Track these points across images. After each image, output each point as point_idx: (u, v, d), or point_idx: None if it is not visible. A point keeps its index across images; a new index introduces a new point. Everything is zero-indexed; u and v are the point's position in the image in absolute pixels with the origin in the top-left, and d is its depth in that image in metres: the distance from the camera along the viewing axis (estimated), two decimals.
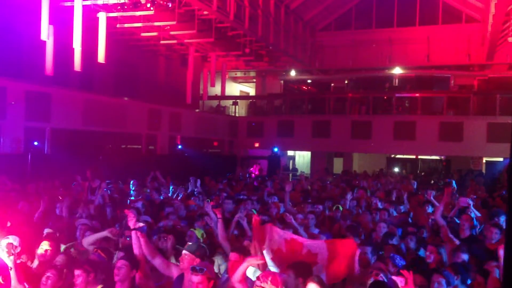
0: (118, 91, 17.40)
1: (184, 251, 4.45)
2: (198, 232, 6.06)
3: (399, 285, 3.99)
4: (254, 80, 27.45)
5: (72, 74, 12.84)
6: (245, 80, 27.88)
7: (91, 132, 15.09)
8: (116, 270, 4.23)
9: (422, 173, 20.54)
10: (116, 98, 16.50)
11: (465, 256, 5.52)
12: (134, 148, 17.97)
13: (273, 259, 4.85)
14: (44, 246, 4.62)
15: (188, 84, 16.67)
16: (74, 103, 14.35)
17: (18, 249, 4.33)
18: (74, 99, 14.45)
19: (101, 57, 11.79)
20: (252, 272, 4.49)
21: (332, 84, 25.88)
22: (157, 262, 4.55)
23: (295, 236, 5.33)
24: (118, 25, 14.13)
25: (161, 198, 10.19)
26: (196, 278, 3.83)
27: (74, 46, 11.34)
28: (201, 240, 5.74)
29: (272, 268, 4.72)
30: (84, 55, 11.59)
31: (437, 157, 23.90)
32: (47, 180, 11.01)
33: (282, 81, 26.67)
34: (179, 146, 19.08)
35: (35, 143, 13.23)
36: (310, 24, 23.70)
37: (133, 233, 4.47)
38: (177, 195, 10.78)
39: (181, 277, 4.44)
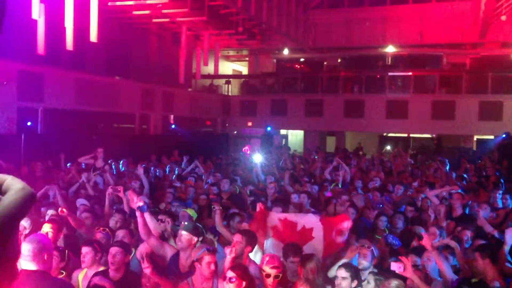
0: (110, 70, 17.26)
1: (182, 231, 4.50)
2: (191, 212, 6.16)
3: (397, 271, 4.06)
4: (247, 58, 27.29)
5: (64, 53, 12.69)
6: (238, 58, 27.71)
7: (84, 112, 15.01)
8: (111, 257, 4.22)
9: (413, 151, 20.70)
10: (109, 77, 16.40)
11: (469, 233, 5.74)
12: (127, 127, 17.93)
13: (273, 237, 4.97)
14: (46, 228, 4.67)
15: (180, 63, 16.54)
16: (66, 82, 14.24)
17: (27, 231, 4.37)
18: (67, 78, 14.34)
19: (93, 36, 11.64)
20: (253, 254, 4.58)
21: (325, 63, 25.80)
22: (152, 242, 4.59)
23: (287, 215, 5.49)
24: (109, 3, 13.94)
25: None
26: (208, 258, 3.87)
27: (66, 25, 11.18)
28: (194, 219, 5.86)
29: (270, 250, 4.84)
30: (76, 34, 11.44)
31: (428, 135, 24.07)
32: (41, 160, 11.00)
33: (275, 60, 26.54)
34: (173, 126, 19.06)
35: (28, 123, 13.16)
36: (303, 2, 23.45)
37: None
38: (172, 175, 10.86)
39: (176, 256, 4.51)
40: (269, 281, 3.89)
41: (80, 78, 14.79)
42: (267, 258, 4.02)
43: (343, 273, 4.03)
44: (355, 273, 4.06)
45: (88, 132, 14.77)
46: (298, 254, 4.43)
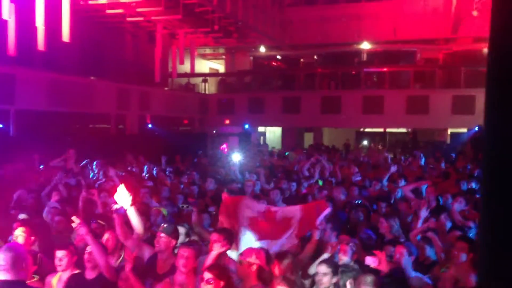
0: (84, 70, 17.01)
1: (160, 233, 4.48)
2: (164, 211, 6.14)
3: (372, 265, 4.07)
4: (224, 57, 27.21)
5: (36, 53, 12.46)
6: (215, 57, 27.61)
7: (58, 113, 14.77)
8: (87, 255, 4.19)
9: (382, 147, 21.08)
10: (83, 77, 16.15)
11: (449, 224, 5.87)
12: (103, 128, 17.71)
13: (249, 228, 4.97)
14: (18, 232, 4.58)
15: (156, 62, 16.42)
16: (39, 83, 13.98)
17: None
18: (39, 79, 14.07)
19: (65, 35, 11.50)
20: (235, 255, 4.57)
21: (302, 60, 25.92)
22: (129, 243, 4.56)
23: (269, 206, 5.50)
24: (82, 2, 13.75)
25: None
26: (185, 251, 3.89)
27: (37, 24, 10.99)
28: (166, 218, 5.85)
29: (249, 242, 4.82)
30: (48, 34, 11.25)
31: (404, 130, 24.42)
32: (13, 163, 10.78)
33: (251, 58, 26.54)
34: (149, 125, 18.91)
35: (0, 125, 12.89)
36: (278, 0, 23.52)
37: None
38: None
39: (154, 257, 4.49)
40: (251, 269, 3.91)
41: (53, 79, 14.54)
42: (246, 251, 4.05)
43: (324, 269, 4.03)
44: (336, 269, 4.08)
45: (63, 134, 14.54)
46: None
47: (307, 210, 5.15)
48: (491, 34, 1.54)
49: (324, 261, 4.17)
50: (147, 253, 4.59)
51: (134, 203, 4.51)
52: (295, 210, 5.21)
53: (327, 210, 5.12)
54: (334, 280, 4.01)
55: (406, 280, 4.28)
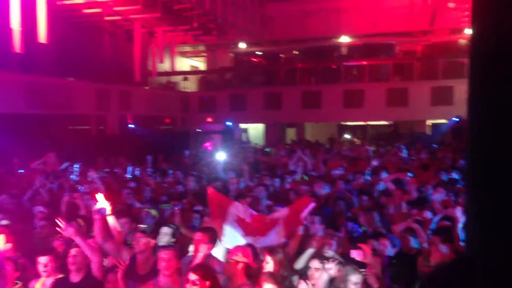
0: (62, 71, 16.76)
1: (139, 234, 4.46)
2: (153, 212, 6.10)
3: (357, 258, 4.07)
4: (204, 54, 27.10)
5: (12, 55, 12.24)
6: (195, 54, 27.46)
7: (37, 115, 14.54)
8: (72, 258, 4.14)
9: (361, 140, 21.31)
10: (61, 78, 15.93)
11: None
12: (83, 129, 17.50)
13: (236, 225, 4.97)
14: None
15: (135, 61, 16.31)
16: (16, 86, 13.75)
17: None
18: (17, 82, 13.84)
19: (42, 37, 11.33)
20: (222, 254, 4.57)
21: (282, 55, 25.96)
22: (108, 246, 4.53)
23: (258, 214, 5.50)
24: (58, 2, 13.54)
25: None
26: (165, 253, 3.86)
27: (12, 26, 10.80)
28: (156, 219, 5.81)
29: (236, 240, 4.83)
30: (24, 35, 11.07)
31: (385, 122, 24.64)
32: None
33: (232, 54, 26.48)
34: (130, 125, 18.74)
35: None
36: None
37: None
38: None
39: (133, 258, 4.46)
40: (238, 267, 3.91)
41: (31, 81, 14.31)
42: (232, 249, 4.06)
43: (316, 264, 4.02)
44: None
45: (42, 136, 14.31)
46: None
47: (292, 210, 5.17)
48: (473, 26, 1.57)
49: (316, 256, 4.17)
50: (125, 254, 4.57)
51: (116, 204, 4.48)
52: (284, 211, 5.23)
53: (311, 205, 5.14)
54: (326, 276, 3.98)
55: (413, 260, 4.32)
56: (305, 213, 5.01)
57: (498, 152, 1.43)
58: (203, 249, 4.21)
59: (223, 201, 5.21)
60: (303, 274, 4.11)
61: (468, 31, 20.25)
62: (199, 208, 6.71)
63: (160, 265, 3.89)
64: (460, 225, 5.21)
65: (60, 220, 4.26)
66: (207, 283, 3.50)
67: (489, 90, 1.49)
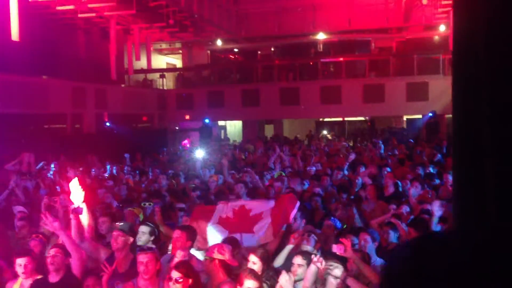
0: (36, 70, 16.44)
1: (116, 231, 4.44)
2: (137, 211, 6.06)
3: (339, 252, 4.06)
4: (180, 51, 26.93)
5: None
6: (171, 51, 27.26)
7: (10, 114, 14.24)
8: (50, 258, 4.11)
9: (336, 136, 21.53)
10: (35, 77, 15.63)
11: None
12: (59, 128, 17.23)
13: (219, 226, 4.98)
14: None
15: (111, 59, 16.10)
16: None
17: None
18: None
19: (14, 34, 11.08)
20: (201, 255, 4.57)
21: (259, 52, 25.97)
22: (85, 245, 4.48)
23: (243, 202, 5.52)
24: None
25: None
26: (144, 257, 3.83)
27: None
28: (141, 218, 5.77)
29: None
30: None
31: (362, 118, 24.92)
32: None
33: (209, 51, 26.37)
34: (107, 124, 18.53)
35: None
36: None
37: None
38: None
39: (111, 257, 4.43)
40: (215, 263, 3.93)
41: (4, 80, 14.00)
42: (210, 247, 4.08)
43: (299, 260, 4.04)
44: (311, 260, 4.13)
45: (16, 136, 14.04)
46: (236, 247, 4.46)
47: (277, 207, 5.20)
48: (454, 19, 1.59)
49: (300, 253, 4.20)
50: (103, 254, 4.54)
51: (94, 203, 4.44)
52: (267, 205, 5.26)
53: (298, 204, 5.20)
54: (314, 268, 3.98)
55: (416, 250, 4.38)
56: (294, 212, 5.07)
57: (483, 147, 1.46)
58: (181, 247, 4.21)
59: (208, 210, 5.25)
60: (287, 271, 4.14)
61: (442, 28, 20.70)
62: (181, 205, 6.71)
63: (139, 268, 3.85)
64: (435, 219, 5.32)
65: (46, 214, 4.23)
66: (190, 280, 3.51)
67: (473, 84, 1.51)
